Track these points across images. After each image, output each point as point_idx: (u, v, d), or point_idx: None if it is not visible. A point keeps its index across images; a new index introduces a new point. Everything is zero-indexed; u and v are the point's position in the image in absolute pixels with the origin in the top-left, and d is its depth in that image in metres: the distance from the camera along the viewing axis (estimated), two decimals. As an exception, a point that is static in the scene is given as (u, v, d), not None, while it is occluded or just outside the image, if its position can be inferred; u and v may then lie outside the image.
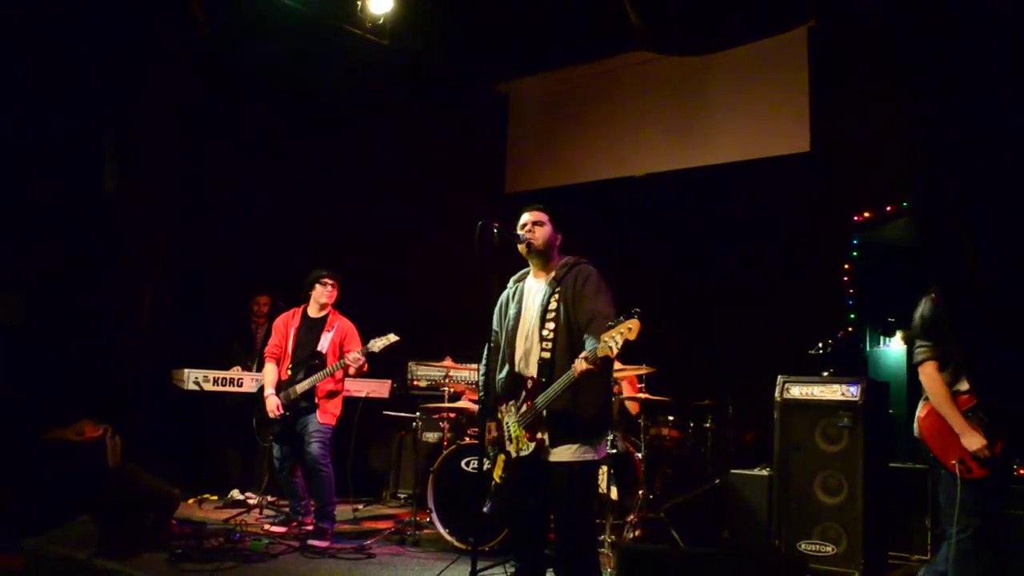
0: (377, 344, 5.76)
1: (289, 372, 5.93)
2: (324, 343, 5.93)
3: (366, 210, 8.57)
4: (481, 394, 4.11)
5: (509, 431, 3.88)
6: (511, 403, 3.90)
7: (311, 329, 6.02)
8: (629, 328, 3.41)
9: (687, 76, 7.80)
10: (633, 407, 6.25)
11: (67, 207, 6.56)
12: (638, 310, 3.43)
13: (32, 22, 6.24)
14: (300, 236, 8.25)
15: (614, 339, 3.43)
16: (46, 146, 6.37)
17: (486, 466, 3.96)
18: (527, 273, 4.13)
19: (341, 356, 5.93)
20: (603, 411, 3.94)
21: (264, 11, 7.01)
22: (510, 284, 4.15)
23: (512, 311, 4.03)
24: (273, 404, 5.83)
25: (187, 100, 7.57)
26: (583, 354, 3.58)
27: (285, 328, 6.09)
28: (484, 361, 4.13)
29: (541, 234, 3.97)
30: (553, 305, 3.86)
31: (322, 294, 6.01)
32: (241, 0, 7.07)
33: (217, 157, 7.93)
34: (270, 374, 5.99)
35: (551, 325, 3.83)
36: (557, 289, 3.88)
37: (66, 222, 6.55)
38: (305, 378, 5.82)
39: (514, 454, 3.83)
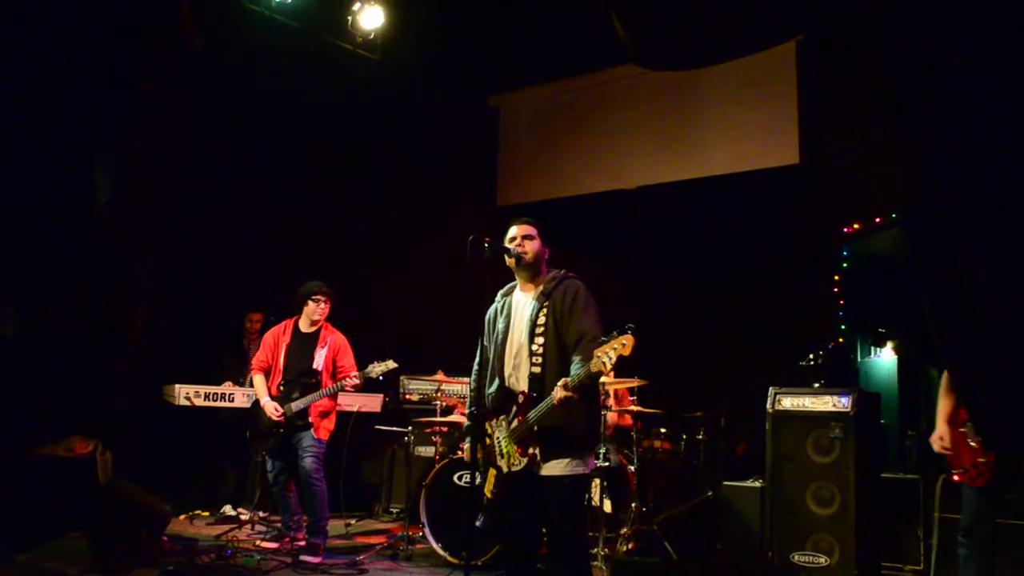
0: (376, 370, 5.74)
1: (282, 389, 5.89)
2: (319, 360, 5.90)
3: (358, 224, 8.58)
4: (471, 409, 4.11)
5: (500, 446, 3.87)
6: (501, 418, 3.90)
7: (303, 345, 5.98)
8: (623, 344, 3.42)
9: (677, 89, 7.85)
10: (624, 419, 6.25)
11: (59, 221, 6.54)
12: (632, 325, 3.44)
13: (25, 37, 6.23)
14: (292, 251, 8.25)
15: (608, 355, 3.43)
16: (38, 160, 6.36)
17: (476, 481, 3.96)
18: (514, 287, 4.13)
19: (335, 372, 5.91)
20: (593, 425, 3.97)
21: (256, 27, 7.03)
22: (497, 298, 4.15)
23: (500, 325, 4.03)
24: (271, 407, 5.79)
25: (180, 115, 7.57)
26: (562, 381, 3.59)
27: (275, 343, 6.05)
28: (474, 376, 4.14)
29: (531, 248, 3.98)
30: (542, 320, 3.86)
31: (314, 311, 5.98)
32: (233, 16, 7.09)
33: (209, 172, 7.92)
34: (260, 384, 5.96)
35: (540, 340, 3.83)
36: (545, 304, 3.88)
37: (58, 236, 6.53)
38: (300, 396, 5.80)
39: (505, 469, 3.82)
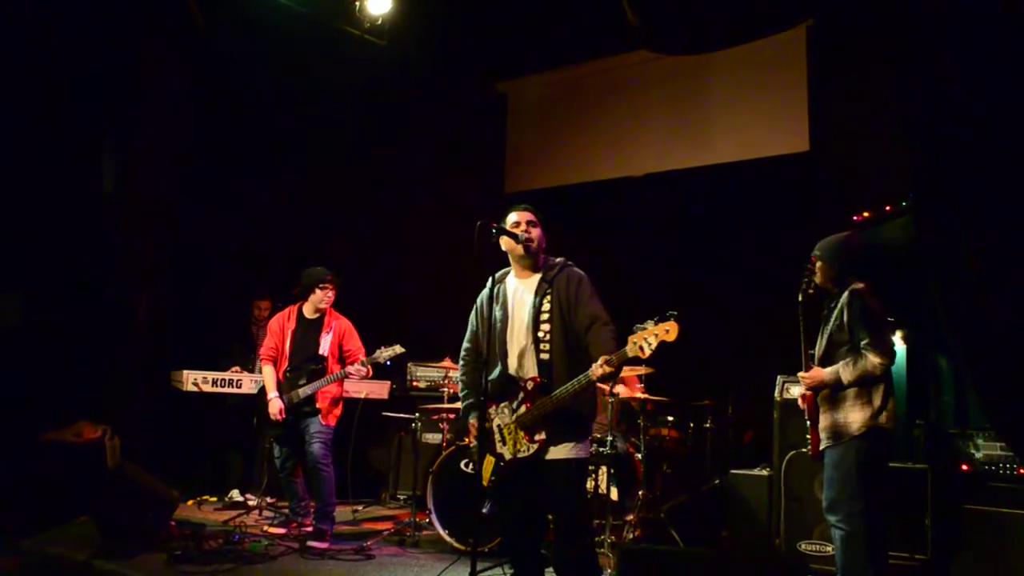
0: (383, 355, 5.73)
1: (288, 375, 5.90)
2: (324, 346, 5.90)
3: (365, 210, 8.57)
4: (466, 396, 4.10)
5: (501, 433, 3.86)
6: (503, 405, 3.89)
7: (308, 331, 5.98)
8: (667, 330, 3.43)
9: (686, 75, 7.79)
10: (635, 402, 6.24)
11: (65, 207, 6.55)
12: (675, 312, 3.45)
13: (30, 24, 6.23)
14: (299, 236, 8.24)
15: (647, 341, 3.44)
16: (44, 146, 6.36)
17: (471, 468, 3.96)
18: (507, 273, 4.11)
19: (341, 357, 5.91)
20: (593, 410, 4.02)
21: (262, 12, 7.00)
22: (489, 284, 4.13)
23: (498, 313, 4.00)
24: (276, 408, 5.80)
25: (185, 101, 7.56)
26: (604, 357, 3.57)
27: (281, 330, 6.04)
28: (463, 361, 4.14)
29: (536, 235, 3.98)
30: (546, 307, 3.86)
31: (321, 299, 5.95)
32: (239, 1, 7.06)
33: (215, 158, 7.92)
34: (269, 376, 5.96)
35: (546, 327, 3.83)
36: (548, 291, 3.88)
37: (64, 222, 6.54)
38: (307, 383, 5.81)
39: (509, 456, 3.82)
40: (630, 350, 3.48)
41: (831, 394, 4.24)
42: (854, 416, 4.13)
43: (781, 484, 5.32)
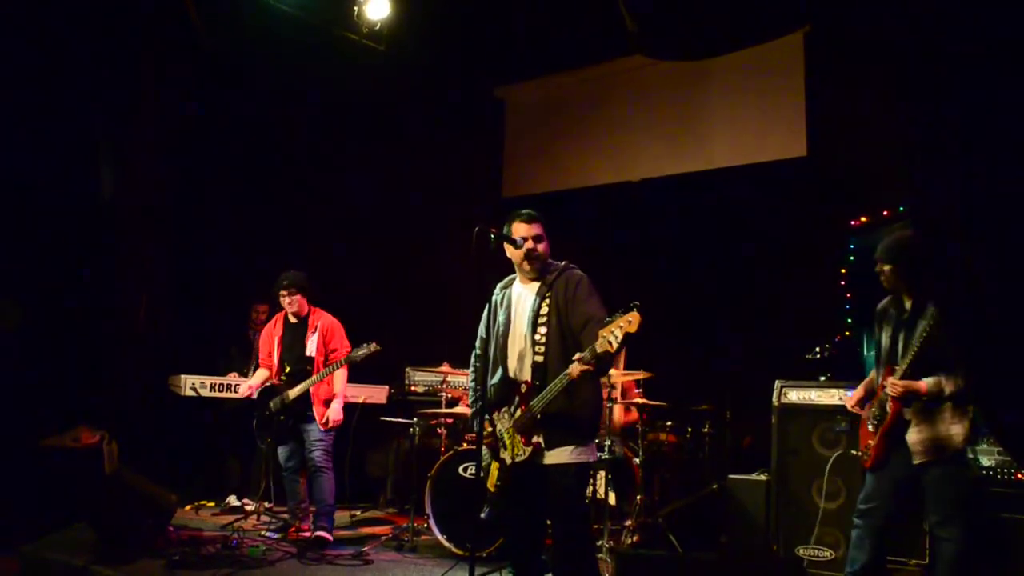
0: (359, 354, 5.79)
1: (283, 380, 6.01)
2: (311, 347, 5.99)
3: (363, 216, 8.57)
4: (475, 402, 4.11)
5: (503, 438, 3.87)
6: (504, 409, 3.89)
7: (295, 334, 6.09)
8: (629, 321, 3.42)
9: (684, 81, 7.81)
10: (630, 415, 6.24)
11: (64, 212, 6.54)
12: (636, 303, 3.45)
13: (29, 27, 6.23)
14: (297, 242, 8.24)
15: (613, 334, 3.43)
16: (43, 151, 6.36)
17: (480, 474, 3.96)
18: (513, 279, 4.13)
19: (327, 356, 5.97)
20: (596, 413, 3.96)
21: (261, 17, 7.01)
22: (496, 290, 4.15)
23: (501, 318, 4.02)
24: (245, 385, 6.16)
25: (184, 106, 7.56)
26: (578, 356, 3.58)
27: (270, 338, 6.18)
28: (472, 368, 4.14)
29: (542, 249, 3.97)
30: (544, 310, 3.86)
31: (287, 305, 6.07)
32: (238, 6, 7.07)
33: (214, 163, 7.92)
34: (259, 375, 6.21)
35: (543, 330, 3.84)
36: (547, 294, 3.89)
37: (63, 227, 6.53)
38: (297, 383, 5.89)
39: (509, 460, 3.82)
40: (599, 346, 3.47)
41: (926, 406, 4.04)
42: (956, 429, 3.99)
43: (785, 488, 5.31)
